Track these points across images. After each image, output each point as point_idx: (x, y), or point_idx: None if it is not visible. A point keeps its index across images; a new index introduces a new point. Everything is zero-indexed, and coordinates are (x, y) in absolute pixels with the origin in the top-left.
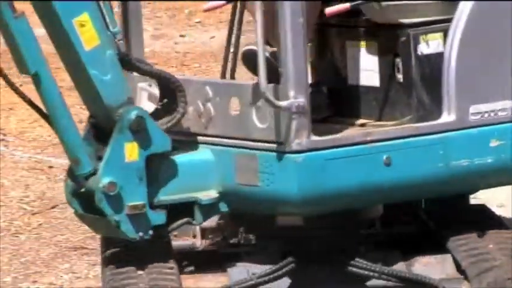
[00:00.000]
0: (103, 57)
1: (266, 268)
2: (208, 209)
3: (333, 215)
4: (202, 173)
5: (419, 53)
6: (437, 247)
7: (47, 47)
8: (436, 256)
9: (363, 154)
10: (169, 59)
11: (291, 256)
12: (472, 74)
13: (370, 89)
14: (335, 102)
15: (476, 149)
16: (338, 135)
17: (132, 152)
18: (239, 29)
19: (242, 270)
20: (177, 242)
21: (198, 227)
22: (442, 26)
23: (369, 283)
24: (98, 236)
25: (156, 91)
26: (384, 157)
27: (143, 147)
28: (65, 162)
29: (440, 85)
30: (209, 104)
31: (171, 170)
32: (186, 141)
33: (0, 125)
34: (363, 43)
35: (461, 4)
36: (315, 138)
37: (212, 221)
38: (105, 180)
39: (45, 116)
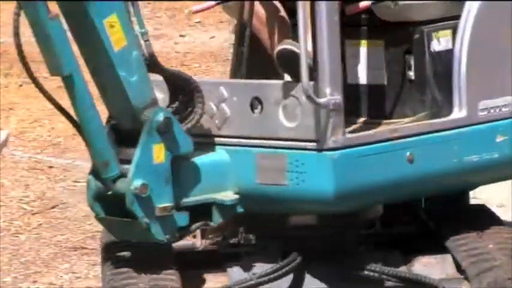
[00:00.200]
0: (130, 58)
1: (266, 268)
2: (226, 209)
3: (333, 215)
4: (219, 174)
5: (432, 50)
6: (437, 247)
7: None
8: (436, 256)
9: (392, 150)
10: (169, 59)
11: (291, 256)
12: (480, 71)
13: (375, 87)
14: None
15: (485, 144)
16: (370, 132)
17: (159, 153)
18: (250, 27)
19: (242, 270)
20: (177, 242)
21: None
22: (452, 23)
23: (368, 284)
24: (98, 236)
25: (158, 94)
26: (408, 153)
27: (169, 148)
28: (64, 162)
29: (451, 82)
30: (224, 105)
31: (191, 171)
32: (200, 142)
33: (0, 125)
34: (365, 42)
35: (468, 4)
36: (349, 135)
37: None
38: (137, 183)
39: (73, 120)
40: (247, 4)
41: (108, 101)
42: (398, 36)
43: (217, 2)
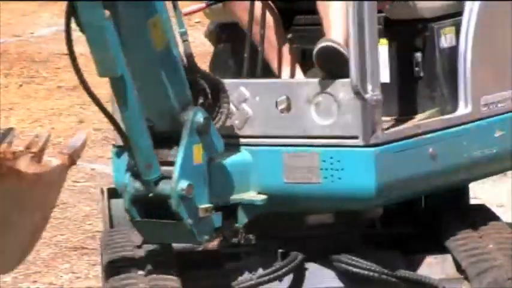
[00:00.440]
0: (171, 58)
1: (266, 268)
2: (253, 210)
3: (333, 215)
4: (243, 175)
5: (441, 46)
6: (437, 247)
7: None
8: (436, 256)
9: (419, 146)
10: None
11: (291, 256)
12: (483, 67)
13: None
14: None
15: (486, 139)
16: (404, 128)
17: (198, 154)
18: (263, 27)
19: (242, 270)
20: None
21: None
22: (456, 19)
23: (368, 284)
24: (98, 236)
25: None
26: (430, 149)
27: (206, 149)
28: None
29: (456, 78)
30: (244, 105)
31: (220, 172)
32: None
33: (0, 125)
34: None
35: (468, 3)
36: (386, 131)
37: None
38: (183, 184)
39: (115, 123)
40: (247, 4)
41: (148, 103)
42: (405, 34)
43: (208, 3)
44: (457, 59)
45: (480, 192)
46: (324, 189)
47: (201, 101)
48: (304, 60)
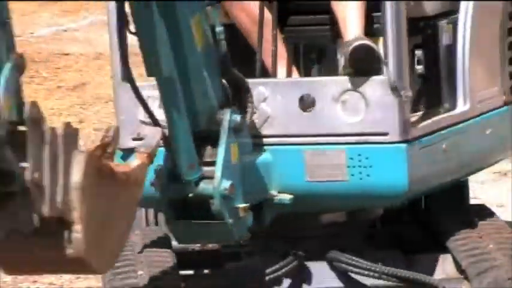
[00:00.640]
0: (209, 57)
1: (266, 268)
2: (275, 209)
3: (333, 215)
4: (266, 174)
5: (443, 43)
6: (437, 247)
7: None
8: (436, 256)
9: (437, 141)
10: None
11: (291, 256)
12: (478, 64)
13: None
14: None
15: (479, 135)
16: (427, 124)
17: (235, 153)
18: (275, 28)
19: (242, 270)
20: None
21: None
22: (454, 17)
23: (369, 283)
24: None
25: None
26: (444, 144)
27: (240, 148)
28: None
29: (455, 75)
30: (264, 104)
31: (249, 171)
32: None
33: None
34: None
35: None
36: (414, 127)
37: None
38: (226, 184)
39: (157, 123)
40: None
41: (189, 102)
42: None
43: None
44: (455, 56)
45: (480, 192)
46: (351, 187)
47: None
48: (298, 60)
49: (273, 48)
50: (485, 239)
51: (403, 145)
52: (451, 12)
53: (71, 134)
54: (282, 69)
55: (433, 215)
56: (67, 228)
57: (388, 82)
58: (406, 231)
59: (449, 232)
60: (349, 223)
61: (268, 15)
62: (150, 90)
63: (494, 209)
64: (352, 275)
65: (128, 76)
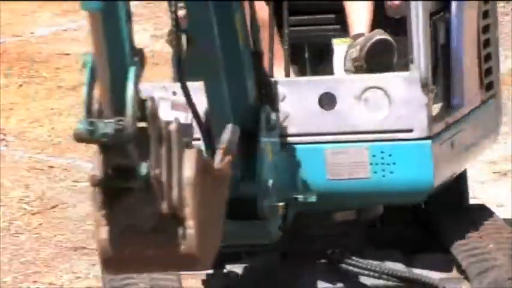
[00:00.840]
0: (248, 54)
1: (266, 268)
2: (297, 207)
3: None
4: (290, 172)
5: (440, 41)
6: (437, 247)
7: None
8: (436, 256)
9: (450, 136)
10: (170, 59)
11: (291, 256)
12: (469, 63)
13: None
14: None
15: (473, 129)
16: (446, 119)
17: (270, 152)
18: (287, 27)
19: (242, 270)
20: None
21: None
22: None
23: (369, 283)
24: None
25: (182, 99)
26: (451, 139)
27: (272, 147)
28: (65, 162)
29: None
30: (282, 104)
31: (278, 170)
32: None
33: (0, 125)
34: None
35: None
36: (436, 123)
37: None
38: (268, 182)
39: (203, 127)
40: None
41: (231, 100)
42: (403, 30)
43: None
44: (449, 54)
45: (480, 192)
46: (374, 184)
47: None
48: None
49: (270, 49)
50: (485, 239)
51: (428, 141)
52: (445, 10)
53: (182, 130)
54: (279, 69)
55: (433, 215)
56: (179, 225)
57: (419, 79)
58: (406, 231)
59: (449, 232)
60: (349, 223)
61: (265, 15)
62: (161, 91)
63: (494, 208)
64: (352, 275)
65: (181, 80)
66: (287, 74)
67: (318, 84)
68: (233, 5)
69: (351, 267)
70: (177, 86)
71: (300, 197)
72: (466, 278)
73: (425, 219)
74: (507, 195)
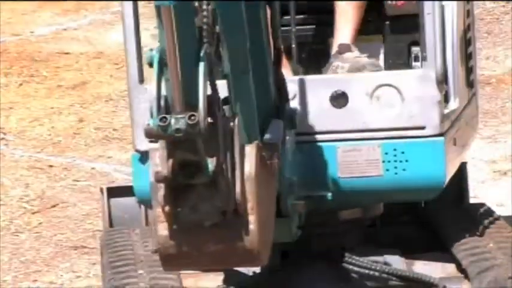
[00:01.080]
0: (269, 51)
1: (266, 268)
2: (308, 206)
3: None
4: (302, 170)
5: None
6: (437, 246)
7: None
8: (436, 255)
9: (452, 133)
10: None
11: (291, 256)
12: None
13: None
14: None
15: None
16: (452, 116)
17: (290, 149)
18: (294, 26)
19: (242, 270)
20: None
21: None
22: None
23: (369, 283)
24: (98, 235)
25: None
26: (455, 136)
27: (291, 145)
28: (64, 161)
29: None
30: (292, 102)
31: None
32: None
33: (0, 124)
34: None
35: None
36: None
37: None
38: (292, 180)
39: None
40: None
41: (257, 98)
42: (402, 29)
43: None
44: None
45: (480, 191)
46: (387, 182)
47: None
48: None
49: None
50: (485, 238)
51: (441, 138)
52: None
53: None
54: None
55: (433, 215)
56: (241, 220)
57: (433, 76)
58: (406, 231)
59: (449, 231)
60: (349, 222)
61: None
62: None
63: (494, 208)
64: (352, 274)
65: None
66: (296, 73)
67: (329, 82)
68: (260, 4)
69: (351, 267)
70: None
71: (316, 195)
72: (466, 277)
73: (425, 218)
74: (507, 194)
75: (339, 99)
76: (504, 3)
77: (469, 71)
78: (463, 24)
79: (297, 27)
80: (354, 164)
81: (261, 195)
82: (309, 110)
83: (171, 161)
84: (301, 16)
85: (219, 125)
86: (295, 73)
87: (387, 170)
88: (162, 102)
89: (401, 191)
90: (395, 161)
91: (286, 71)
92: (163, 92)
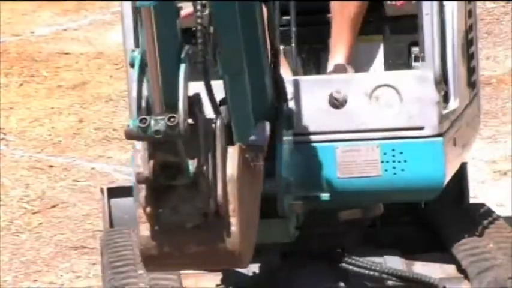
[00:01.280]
0: (265, 53)
1: (266, 268)
2: (310, 206)
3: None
4: (301, 171)
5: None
6: (437, 247)
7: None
8: (436, 255)
9: (452, 134)
10: None
11: (291, 256)
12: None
13: None
14: None
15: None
16: (452, 116)
17: (287, 149)
18: (295, 26)
19: (242, 270)
20: None
21: None
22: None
23: (369, 283)
24: (98, 236)
25: None
26: (455, 136)
27: (289, 145)
28: (65, 161)
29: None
30: (290, 103)
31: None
32: None
33: (0, 124)
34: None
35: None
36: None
37: None
38: (287, 180)
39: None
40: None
41: (252, 98)
42: (402, 29)
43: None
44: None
45: (480, 192)
46: (385, 182)
47: None
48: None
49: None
50: (485, 238)
51: (440, 138)
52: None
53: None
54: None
55: (433, 215)
56: (223, 222)
57: (431, 76)
58: (406, 231)
59: (449, 231)
60: (349, 222)
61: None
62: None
63: (494, 208)
64: (352, 274)
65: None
66: (295, 73)
67: (328, 82)
68: (256, 3)
69: (351, 267)
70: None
71: (314, 195)
72: (466, 277)
73: (425, 219)
74: (507, 194)
75: (338, 99)
76: (504, 3)
77: (471, 71)
78: (465, 25)
79: (300, 27)
80: (352, 164)
81: (243, 197)
82: (307, 111)
83: (152, 162)
84: (308, 16)
85: (200, 126)
86: (295, 73)
87: (386, 170)
88: (144, 103)
89: (400, 191)
90: (394, 161)
91: (285, 71)
92: (145, 92)
